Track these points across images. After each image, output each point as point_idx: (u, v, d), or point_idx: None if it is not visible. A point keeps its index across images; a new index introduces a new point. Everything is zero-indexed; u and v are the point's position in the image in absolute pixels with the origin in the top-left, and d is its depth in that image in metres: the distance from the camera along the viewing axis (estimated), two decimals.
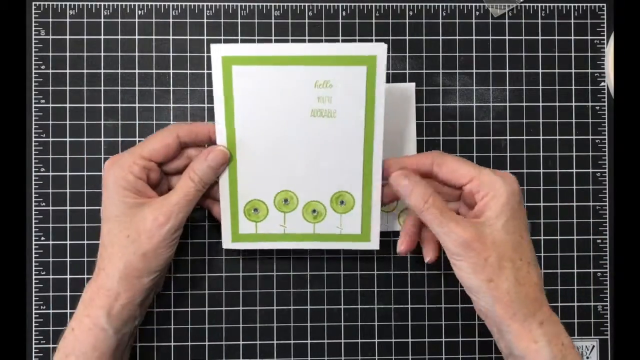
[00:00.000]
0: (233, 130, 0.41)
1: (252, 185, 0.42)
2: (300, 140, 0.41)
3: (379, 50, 0.39)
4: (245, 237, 0.44)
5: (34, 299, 0.46)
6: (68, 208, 0.47)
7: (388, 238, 0.47)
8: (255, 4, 0.47)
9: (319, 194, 0.43)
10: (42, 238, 0.46)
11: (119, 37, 0.47)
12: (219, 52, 0.40)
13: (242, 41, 0.47)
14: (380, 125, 0.41)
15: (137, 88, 0.47)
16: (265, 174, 0.42)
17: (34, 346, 0.46)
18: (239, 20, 0.47)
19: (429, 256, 0.42)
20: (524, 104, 0.48)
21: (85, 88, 0.47)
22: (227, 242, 0.44)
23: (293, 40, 0.47)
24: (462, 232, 0.36)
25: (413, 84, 0.47)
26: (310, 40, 0.47)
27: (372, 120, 0.41)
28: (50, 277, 0.46)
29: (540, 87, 0.48)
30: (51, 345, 0.46)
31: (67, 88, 0.47)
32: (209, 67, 0.47)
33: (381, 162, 0.41)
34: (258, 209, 0.43)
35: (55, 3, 0.47)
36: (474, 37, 0.48)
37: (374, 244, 0.44)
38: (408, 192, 0.39)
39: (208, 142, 0.42)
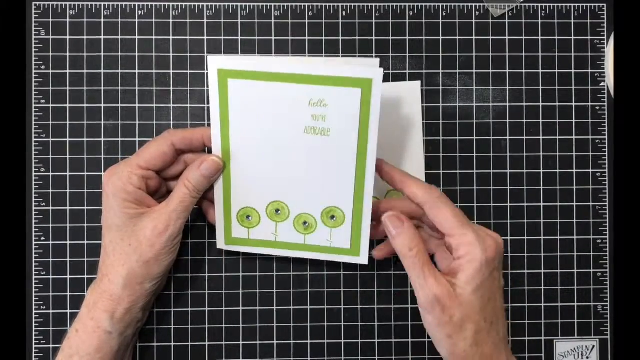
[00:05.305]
0: (228, 140, 0.41)
1: (245, 193, 0.43)
2: (293, 155, 0.41)
3: (375, 74, 0.38)
4: (238, 241, 0.45)
5: (34, 299, 0.46)
6: (68, 208, 0.47)
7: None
8: (255, 4, 0.47)
9: (310, 208, 0.43)
10: (42, 238, 0.46)
11: (119, 37, 0.47)
12: (215, 64, 0.40)
13: (242, 41, 0.47)
14: (373, 145, 0.40)
15: (137, 88, 0.47)
16: (258, 184, 0.42)
17: (34, 346, 0.46)
18: (239, 20, 0.47)
19: (378, 253, 0.45)
20: (524, 104, 0.48)
21: (85, 88, 0.47)
22: (221, 243, 0.45)
23: (293, 41, 0.47)
24: (436, 288, 0.37)
25: (418, 82, 0.47)
26: (310, 41, 0.47)
27: (365, 140, 0.40)
28: (50, 277, 0.46)
29: (540, 87, 0.48)
30: (51, 346, 0.46)
31: (67, 88, 0.47)
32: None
33: (373, 180, 0.41)
34: (250, 216, 0.44)
35: (55, 3, 0.47)
36: (474, 37, 0.48)
37: (362, 259, 0.44)
38: (395, 235, 0.40)
39: (203, 148, 0.43)
